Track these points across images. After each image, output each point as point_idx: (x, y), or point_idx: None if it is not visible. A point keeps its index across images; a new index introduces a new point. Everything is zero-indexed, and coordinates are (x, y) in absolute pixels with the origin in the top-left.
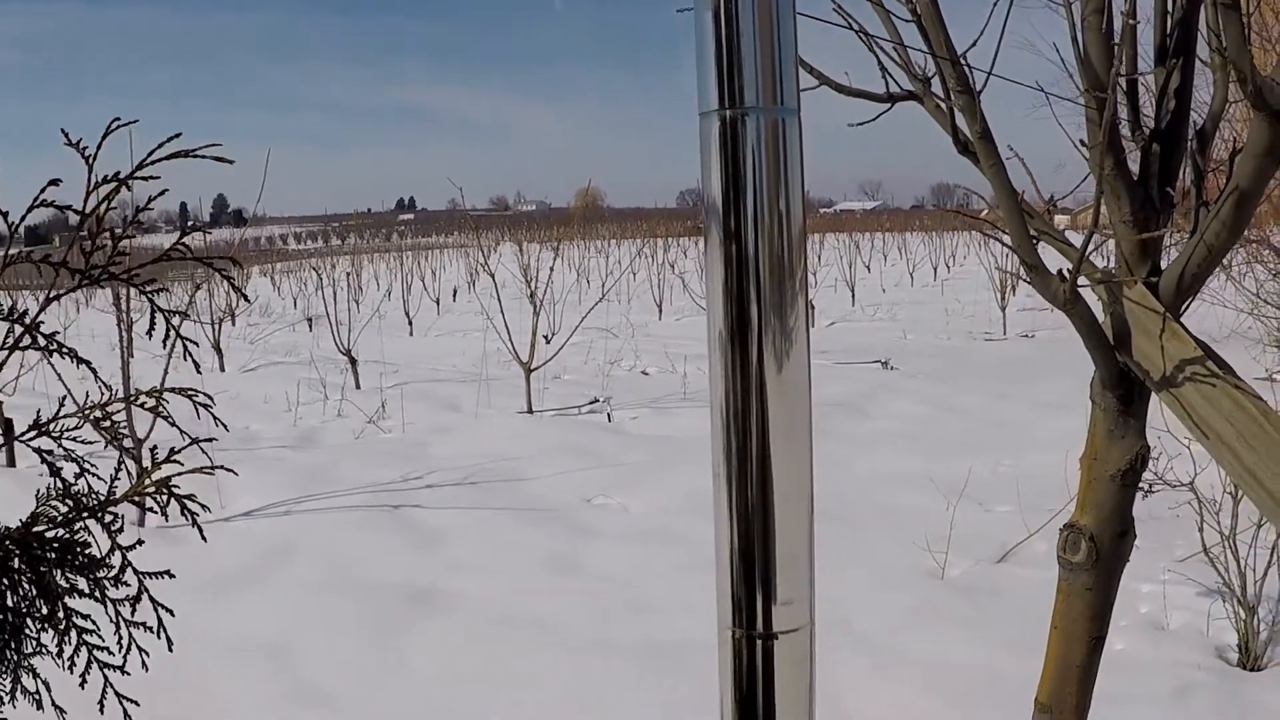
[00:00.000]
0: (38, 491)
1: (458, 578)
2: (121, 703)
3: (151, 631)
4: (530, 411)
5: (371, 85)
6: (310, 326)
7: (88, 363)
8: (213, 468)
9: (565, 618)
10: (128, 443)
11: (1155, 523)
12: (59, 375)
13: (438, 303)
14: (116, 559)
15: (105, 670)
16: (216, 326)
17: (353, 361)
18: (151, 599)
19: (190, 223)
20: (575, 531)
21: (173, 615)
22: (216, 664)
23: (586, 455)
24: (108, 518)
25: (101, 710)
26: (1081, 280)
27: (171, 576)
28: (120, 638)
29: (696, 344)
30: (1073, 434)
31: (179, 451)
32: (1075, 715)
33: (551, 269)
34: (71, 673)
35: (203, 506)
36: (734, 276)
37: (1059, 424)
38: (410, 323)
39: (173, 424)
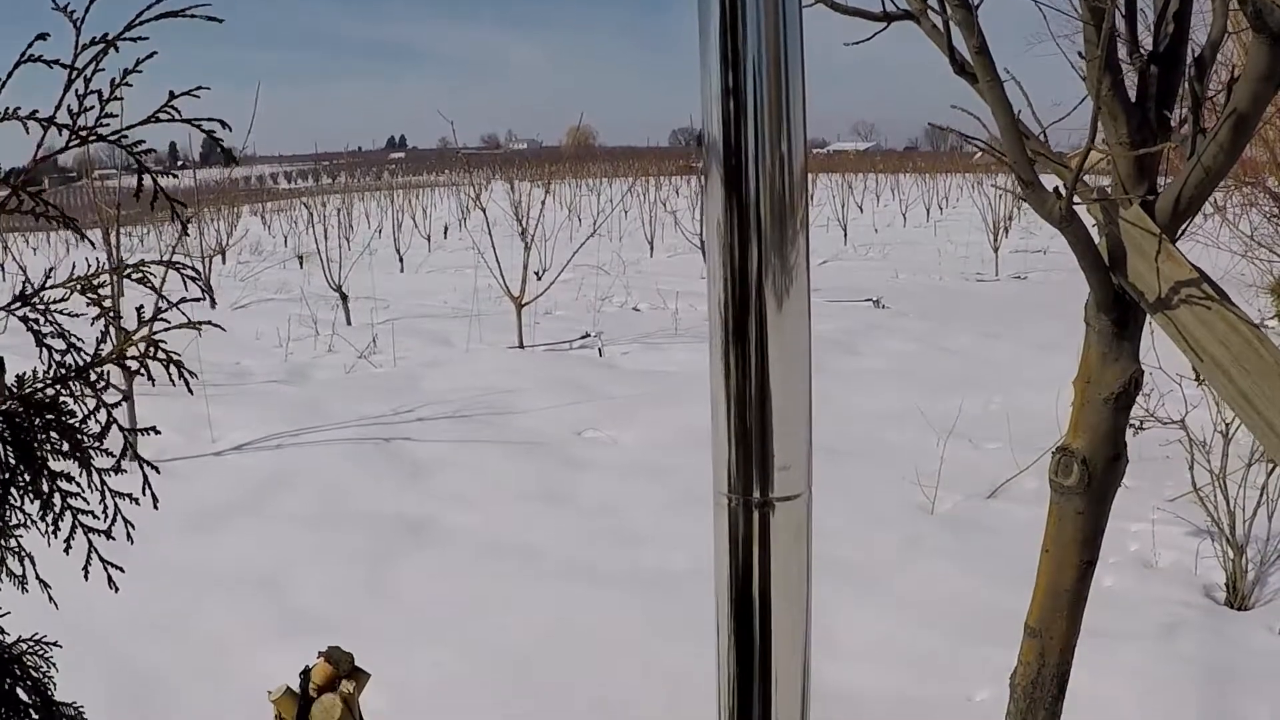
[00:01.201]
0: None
1: (448, 509)
2: (107, 569)
3: (137, 503)
4: (521, 346)
5: (361, 20)
6: (301, 264)
7: (73, 223)
8: (198, 325)
9: (554, 547)
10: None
11: (1145, 463)
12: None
13: (429, 240)
14: (102, 420)
15: (90, 535)
16: (207, 263)
17: (343, 297)
18: (136, 455)
19: (180, 162)
20: (565, 464)
21: (158, 472)
22: (208, 595)
23: (577, 389)
24: (93, 377)
25: (86, 576)
26: (1078, 201)
27: (157, 433)
28: (105, 507)
29: (688, 281)
30: (1064, 374)
31: (164, 312)
32: (1064, 640)
33: (543, 204)
34: (56, 535)
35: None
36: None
37: (1050, 364)
38: (401, 260)
39: (160, 295)
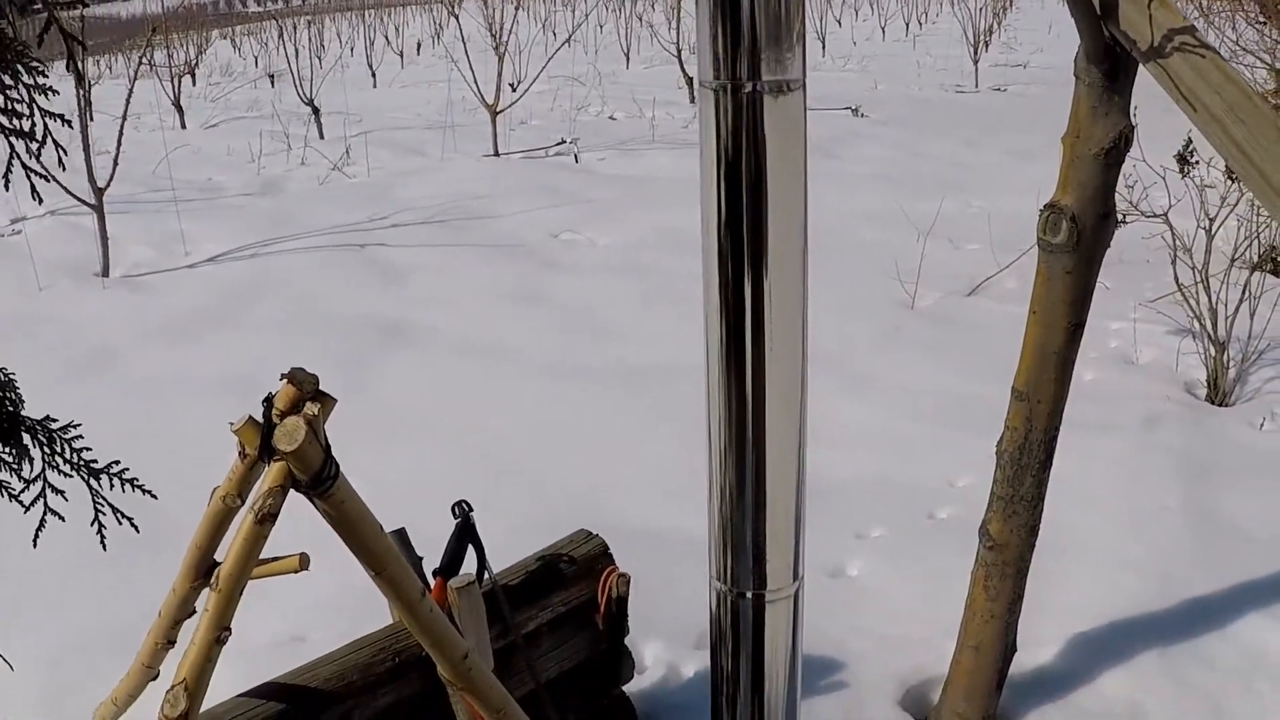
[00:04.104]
0: None
1: (425, 311)
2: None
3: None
4: (496, 154)
5: None
6: (272, 83)
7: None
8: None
9: (533, 345)
10: None
11: (1125, 266)
12: None
13: (401, 56)
14: None
15: (12, 138)
16: (176, 83)
17: (315, 111)
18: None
19: None
20: (542, 265)
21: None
22: (188, 404)
23: (554, 194)
24: None
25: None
26: None
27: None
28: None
29: (666, 90)
30: (1044, 180)
31: None
32: (1052, 404)
33: (515, 13)
34: None
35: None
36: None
37: (1030, 171)
38: (374, 75)
39: None
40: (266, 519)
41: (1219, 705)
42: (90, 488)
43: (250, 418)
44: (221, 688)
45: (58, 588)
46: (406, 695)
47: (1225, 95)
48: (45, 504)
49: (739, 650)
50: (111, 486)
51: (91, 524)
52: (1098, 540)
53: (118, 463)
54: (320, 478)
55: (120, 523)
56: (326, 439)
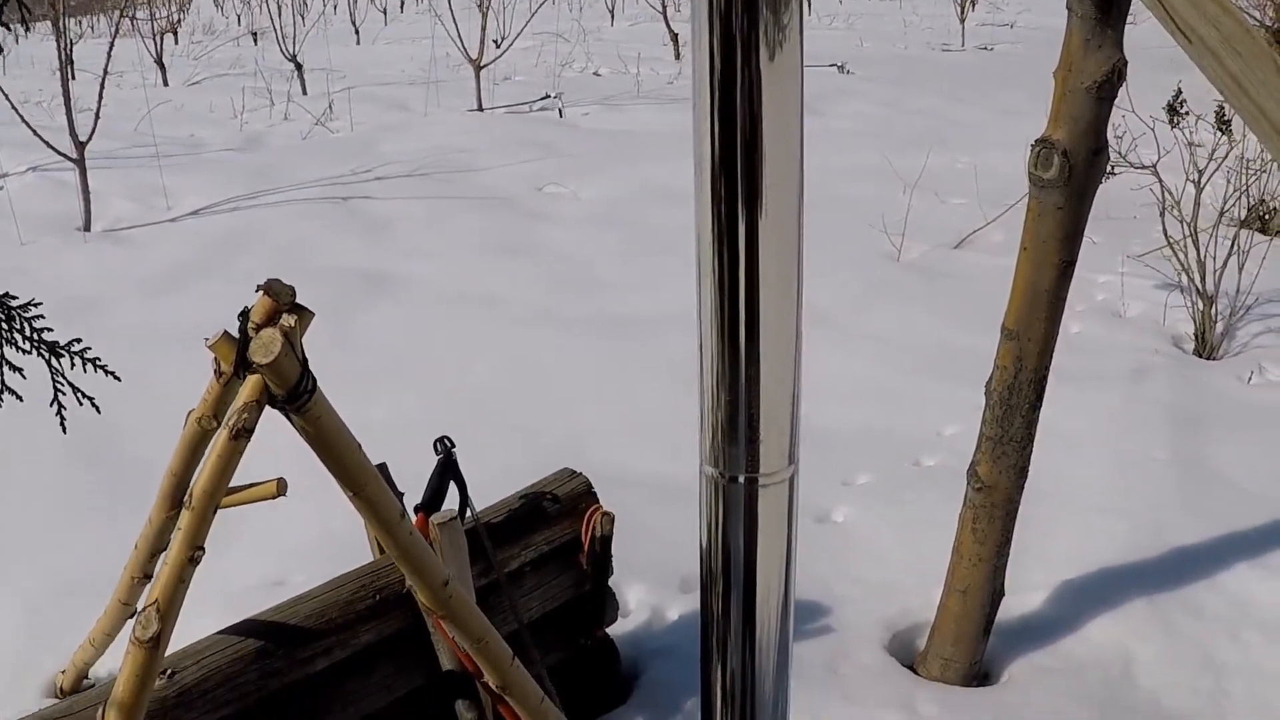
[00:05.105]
0: None
1: (409, 261)
2: None
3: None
4: (480, 109)
5: None
6: (255, 40)
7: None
8: None
9: (516, 295)
10: None
11: (1113, 222)
12: None
13: (384, 13)
14: None
15: None
16: (158, 41)
17: (298, 67)
18: None
19: None
20: (526, 217)
21: None
22: (169, 353)
23: (538, 147)
24: None
25: None
26: None
27: None
28: None
29: (651, 47)
30: (1031, 136)
31: None
32: (1043, 343)
33: None
34: None
35: None
36: None
37: (1018, 127)
38: (357, 31)
39: None
40: (241, 434)
41: (1208, 653)
42: (50, 366)
43: (225, 332)
44: (201, 633)
45: (40, 536)
46: (388, 633)
47: (1222, 28)
48: (2, 381)
49: (730, 540)
50: (73, 365)
51: (51, 404)
52: (1086, 489)
53: (79, 340)
54: (297, 392)
55: (80, 403)
56: (303, 352)
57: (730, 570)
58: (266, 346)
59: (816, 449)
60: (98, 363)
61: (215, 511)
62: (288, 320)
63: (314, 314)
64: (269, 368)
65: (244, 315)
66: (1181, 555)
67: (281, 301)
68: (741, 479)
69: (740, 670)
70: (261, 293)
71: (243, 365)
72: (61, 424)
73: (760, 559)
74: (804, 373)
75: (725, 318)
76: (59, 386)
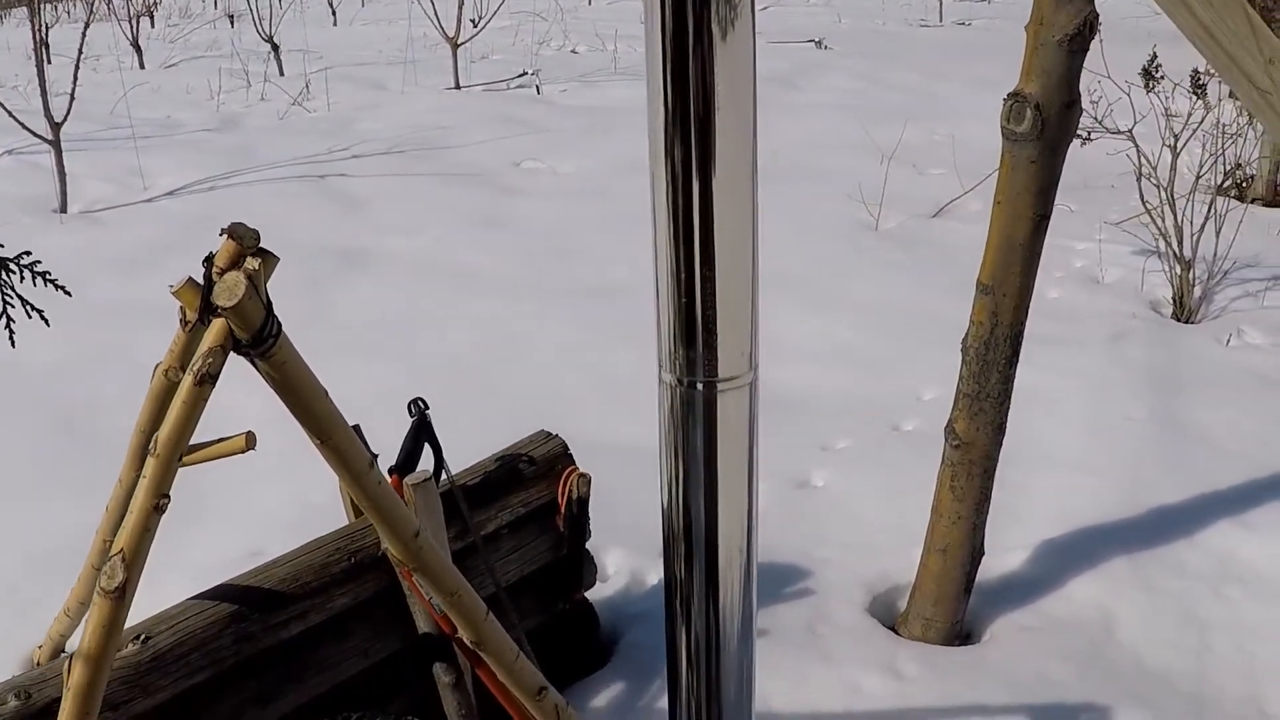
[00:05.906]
0: None
1: (386, 237)
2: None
3: None
4: (458, 87)
5: None
6: (232, 23)
7: None
8: None
9: (494, 267)
10: None
11: (1090, 191)
12: None
13: None
14: None
15: None
16: (134, 24)
17: (275, 48)
18: None
19: None
20: (504, 192)
21: None
22: (145, 329)
23: (515, 124)
24: None
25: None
26: None
27: None
28: None
29: (628, 25)
30: None
31: None
32: (1018, 297)
33: None
34: None
35: None
36: None
37: (994, 100)
38: (334, 12)
39: None
40: (206, 380)
41: (1189, 610)
42: None
43: (190, 278)
44: (175, 601)
45: (16, 511)
46: (364, 597)
47: None
48: None
49: (690, 447)
50: (22, 279)
51: None
52: (1065, 449)
53: (28, 253)
54: (261, 336)
55: (30, 315)
56: (268, 296)
57: (690, 479)
58: (230, 290)
59: (794, 414)
60: (48, 276)
61: (180, 459)
62: (251, 263)
63: (279, 259)
64: (233, 311)
65: (209, 260)
66: (1161, 514)
67: (246, 245)
68: (700, 384)
69: (704, 584)
70: (225, 237)
71: (207, 310)
72: (11, 338)
73: (721, 466)
74: (781, 338)
75: (679, 217)
76: (8, 300)
